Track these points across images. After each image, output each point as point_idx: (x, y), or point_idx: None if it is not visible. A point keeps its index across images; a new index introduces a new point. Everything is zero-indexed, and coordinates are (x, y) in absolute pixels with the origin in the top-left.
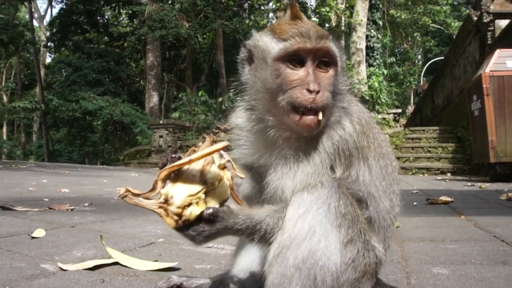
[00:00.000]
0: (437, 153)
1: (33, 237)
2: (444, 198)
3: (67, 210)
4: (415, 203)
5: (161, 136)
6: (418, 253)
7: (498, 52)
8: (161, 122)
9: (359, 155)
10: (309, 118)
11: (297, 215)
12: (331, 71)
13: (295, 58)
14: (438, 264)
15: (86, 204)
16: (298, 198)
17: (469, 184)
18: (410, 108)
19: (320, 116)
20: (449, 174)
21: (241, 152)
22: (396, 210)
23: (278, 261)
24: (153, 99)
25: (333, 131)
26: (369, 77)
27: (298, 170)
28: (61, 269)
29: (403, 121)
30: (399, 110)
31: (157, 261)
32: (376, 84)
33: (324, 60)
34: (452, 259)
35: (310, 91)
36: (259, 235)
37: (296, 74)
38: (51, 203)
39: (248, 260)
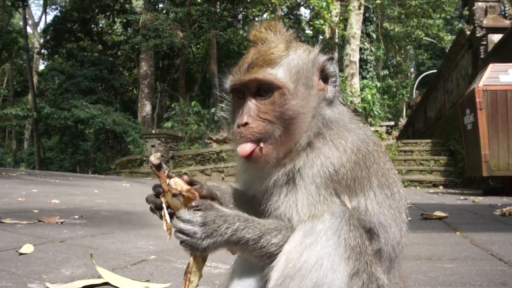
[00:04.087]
0: (429, 166)
1: (21, 253)
2: (438, 213)
3: (57, 223)
4: (409, 218)
5: (153, 146)
6: (416, 273)
7: (491, 67)
8: (153, 131)
9: (361, 185)
10: (241, 149)
11: (304, 244)
12: (272, 98)
13: (239, 90)
14: (437, 286)
15: (76, 217)
16: (306, 225)
17: (462, 197)
18: (403, 121)
19: (259, 147)
20: (441, 187)
21: (239, 179)
22: (404, 240)
23: None
24: (145, 108)
25: (315, 159)
26: (362, 89)
27: (298, 200)
28: None
29: (395, 133)
30: (392, 123)
31: (148, 281)
32: (369, 97)
33: (262, 88)
34: (451, 280)
35: (238, 126)
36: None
37: (239, 105)
38: (41, 215)
39: (243, 284)
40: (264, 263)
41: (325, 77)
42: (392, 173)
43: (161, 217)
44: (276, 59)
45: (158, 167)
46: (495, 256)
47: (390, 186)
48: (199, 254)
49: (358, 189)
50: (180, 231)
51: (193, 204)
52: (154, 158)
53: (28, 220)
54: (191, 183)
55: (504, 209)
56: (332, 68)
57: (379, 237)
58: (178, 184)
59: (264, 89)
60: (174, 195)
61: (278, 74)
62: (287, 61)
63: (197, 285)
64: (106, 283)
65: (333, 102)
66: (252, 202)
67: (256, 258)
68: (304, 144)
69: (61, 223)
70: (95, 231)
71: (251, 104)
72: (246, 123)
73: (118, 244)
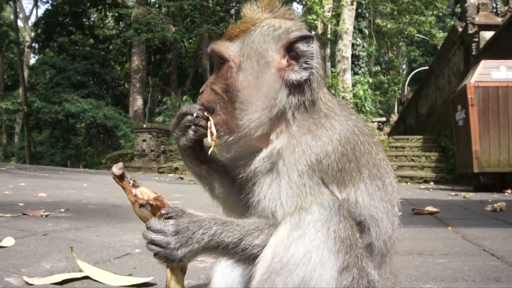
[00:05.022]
0: (420, 162)
1: (0, 247)
2: (430, 208)
3: (42, 216)
4: (400, 213)
5: (144, 140)
6: (407, 268)
7: (483, 63)
8: (144, 126)
9: (350, 176)
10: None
11: (291, 237)
12: (222, 70)
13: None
14: (429, 281)
15: (63, 210)
16: (294, 218)
17: (453, 193)
18: (394, 117)
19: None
20: (432, 183)
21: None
22: (396, 234)
23: (265, 287)
24: (137, 103)
25: (296, 145)
26: (354, 85)
27: (282, 191)
28: (27, 283)
29: (387, 129)
30: (383, 119)
31: (131, 274)
32: (361, 93)
33: (218, 60)
34: (443, 275)
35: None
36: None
37: None
38: (26, 208)
39: (228, 279)
40: (249, 266)
41: (296, 56)
42: (384, 164)
43: None
44: (237, 34)
45: (121, 177)
46: (487, 251)
47: (382, 178)
48: (176, 265)
49: (347, 180)
50: (152, 242)
51: (163, 212)
52: (116, 169)
53: (12, 213)
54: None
55: (495, 205)
56: (305, 47)
57: (370, 231)
58: (144, 193)
59: (220, 61)
60: (141, 205)
61: (230, 47)
62: (246, 36)
63: None
64: (86, 277)
65: (301, 86)
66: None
67: (239, 262)
68: (267, 124)
69: (46, 216)
70: (80, 225)
71: (214, 73)
72: (202, 91)
73: (103, 237)
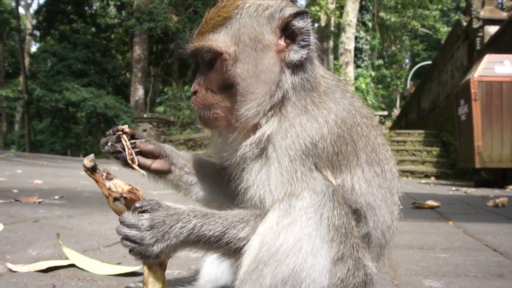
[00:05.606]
0: (421, 156)
1: None
2: (430, 202)
3: (35, 202)
4: (400, 206)
5: (144, 130)
6: (407, 262)
7: (487, 57)
8: (145, 116)
9: (346, 160)
10: (199, 119)
11: (281, 224)
12: (216, 65)
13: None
14: (430, 276)
15: (57, 197)
16: (283, 204)
17: (453, 188)
18: (396, 111)
19: (206, 114)
20: (433, 178)
21: (211, 150)
22: (395, 224)
23: (252, 279)
24: (138, 93)
25: (289, 129)
26: (356, 78)
27: (271, 177)
28: (10, 270)
29: (388, 123)
30: (385, 113)
31: (119, 264)
32: (363, 86)
33: (207, 55)
34: (444, 270)
35: (191, 92)
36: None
37: None
38: (20, 195)
39: (217, 270)
40: (235, 259)
41: (292, 35)
42: (384, 149)
43: None
44: (221, 22)
45: (93, 169)
46: (490, 246)
47: (381, 163)
48: (153, 261)
49: (343, 165)
50: (126, 238)
51: (137, 205)
52: (87, 161)
53: (4, 200)
54: (133, 135)
55: (497, 200)
56: (301, 23)
57: (367, 220)
58: (118, 185)
59: (208, 57)
60: (115, 199)
61: (218, 39)
62: (232, 22)
63: None
64: (72, 265)
65: (303, 64)
66: (225, 178)
67: (225, 256)
68: (265, 110)
69: (39, 203)
70: (73, 212)
71: (202, 71)
72: (196, 92)
73: (95, 225)
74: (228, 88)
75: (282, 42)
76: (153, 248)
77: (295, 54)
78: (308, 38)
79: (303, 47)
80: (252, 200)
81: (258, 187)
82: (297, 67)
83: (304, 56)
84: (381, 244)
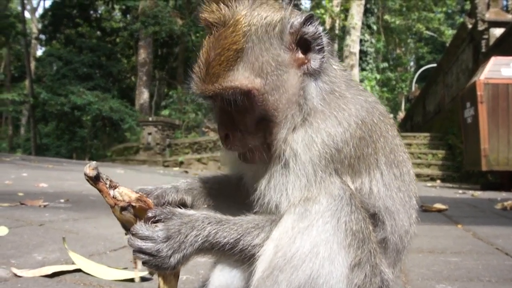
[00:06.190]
0: (427, 159)
1: None
2: (438, 205)
3: (40, 206)
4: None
5: (150, 133)
6: (418, 266)
7: (493, 60)
8: (150, 119)
9: (366, 163)
10: (240, 157)
11: (297, 229)
12: (243, 104)
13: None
14: (442, 281)
15: (62, 201)
16: (300, 207)
17: (460, 191)
18: (401, 114)
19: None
20: (438, 181)
21: (225, 161)
22: (413, 229)
23: (266, 285)
24: (143, 96)
25: (314, 137)
26: (361, 81)
27: (289, 182)
28: (15, 275)
29: None
30: (390, 116)
31: (126, 268)
32: (368, 89)
33: (234, 96)
34: (456, 274)
35: (220, 136)
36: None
37: (214, 106)
38: (25, 198)
39: (228, 276)
40: (250, 266)
41: (304, 43)
42: (402, 151)
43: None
44: (234, 56)
45: (96, 179)
46: (501, 250)
47: (399, 165)
48: (170, 273)
49: (362, 168)
50: (140, 251)
51: (149, 214)
52: (89, 169)
53: (10, 203)
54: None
55: (505, 203)
56: (311, 29)
57: (385, 225)
58: (124, 194)
59: (234, 98)
60: (123, 209)
61: (240, 76)
62: (246, 53)
63: None
64: (78, 270)
65: (322, 68)
66: (241, 189)
67: (238, 263)
68: (297, 124)
69: (44, 206)
70: (79, 215)
71: (223, 112)
72: (227, 135)
73: (101, 229)
74: (261, 122)
75: (300, 55)
76: (170, 260)
77: (315, 62)
78: (321, 41)
79: (319, 51)
80: (268, 205)
81: (275, 191)
82: (318, 73)
83: (323, 60)
84: (398, 250)
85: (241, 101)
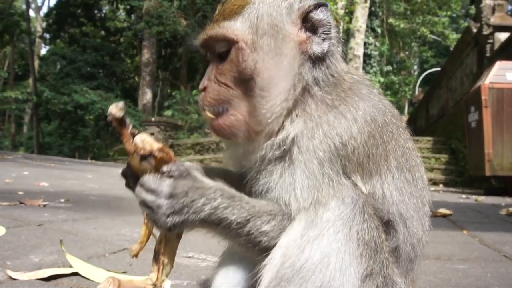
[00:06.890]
0: (430, 163)
1: None
2: (442, 210)
3: (39, 205)
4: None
5: (152, 134)
6: (425, 274)
7: (498, 64)
8: (153, 119)
9: (377, 164)
10: (212, 123)
11: (306, 237)
12: (230, 55)
13: (206, 51)
14: None
15: (62, 200)
16: (309, 214)
17: (463, 196)
18: (404, 118)
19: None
20: (441, 185)
21: (225, 155)
22: (426, 237)
23: None
24: (146, 96)
25: (316, 128)
26: None
27: (296, 181)
28: (10, 277)
29: None
30: (403, 118)
31: (125, 272)
32: None
33: (220, 45)
34: (465, 282)
35: (199, 91)
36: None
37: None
38: (25, 197)
39: (230, 283)
40: (250, 253)
41: (312, 27)
42: (414, 155)
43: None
44: (237, 10)
45: (121, 122)
46: (509, 258)
47: (412, 170)
48: (170, 233)
49: (373, 169)
50: (143, 203)
51: (164, 169)
52: (116, 109)
53: (9, 202)
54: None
55: (510, 209)
56: (321, 15)
57: (397, 233)
58: (147, 142)
59: (221, 47)
60: (143, 158)
61: (234, 26)
62: (249, 10)
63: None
64: (76, 273)
65: (324, 58)
66: (242, 186)
67: (240, 246)
68: (290, 107)
69: (44, 206)
70: (79, 216)
71: (212, 65)
72: (205, 88)
73: (101, 230)
74: (246, 82)
75: (302, 34)
76: (167, 219)
77: (317, 46)
78: (329, 31)
79: (324, 39)
80: (276, 202)
81: (282, 190)
82: (319, 60)
83: (326, 48)
84: (411, 259)
85: (227, 53)
